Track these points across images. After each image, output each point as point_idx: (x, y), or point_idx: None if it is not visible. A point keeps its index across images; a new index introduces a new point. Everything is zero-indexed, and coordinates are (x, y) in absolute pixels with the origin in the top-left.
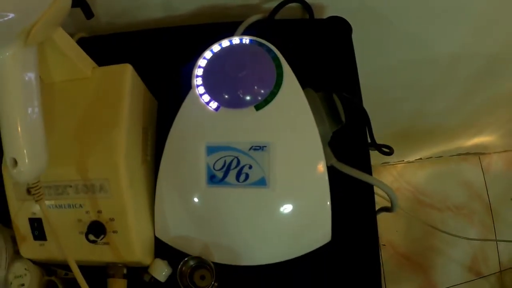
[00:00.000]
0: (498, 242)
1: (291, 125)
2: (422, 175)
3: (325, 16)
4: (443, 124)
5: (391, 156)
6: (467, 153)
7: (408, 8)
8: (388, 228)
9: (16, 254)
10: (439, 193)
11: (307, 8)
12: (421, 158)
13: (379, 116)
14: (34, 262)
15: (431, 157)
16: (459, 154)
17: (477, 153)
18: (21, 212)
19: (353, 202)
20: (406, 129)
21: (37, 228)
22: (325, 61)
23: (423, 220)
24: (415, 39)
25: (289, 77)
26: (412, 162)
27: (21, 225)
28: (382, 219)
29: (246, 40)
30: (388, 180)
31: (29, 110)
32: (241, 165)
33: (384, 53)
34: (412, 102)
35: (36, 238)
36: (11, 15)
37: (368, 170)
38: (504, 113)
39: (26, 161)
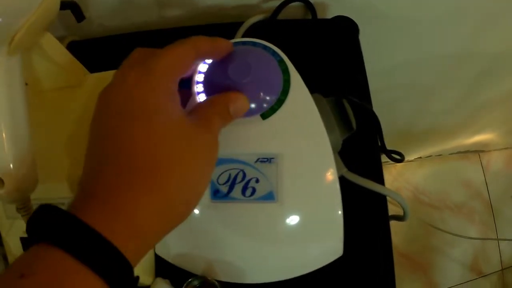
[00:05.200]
0: (499, 240)
1: (300, 134)
2: (421, 174)
3: (327, 16)
4: (443, 123)
5: None
6: (467, 151)
7: (411, 7)
8: None
9: None
10: (439, 192)
11: (310, 7)
12: (420, 157)
13: (379, 116)
14: None
15: (430, 156)
16: (459, 152)
17: (477, 151)
18: (12, 231)
19: (365, 213)
20: (405, 128)
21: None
22: (331, 63)
23: (423, 220)
24: (418, 39)
25: (297, 82)
26: (412, 161)
27: (13, 244)
28: None
29: (249, 42)
30: (388, 180)
31: (16, 122)
32: (247, 178)
33: (386, 53)
34: (412, 101)
35: None
36: None
37: (380, 179)
38: (504, 111)
39: (14, 179)
